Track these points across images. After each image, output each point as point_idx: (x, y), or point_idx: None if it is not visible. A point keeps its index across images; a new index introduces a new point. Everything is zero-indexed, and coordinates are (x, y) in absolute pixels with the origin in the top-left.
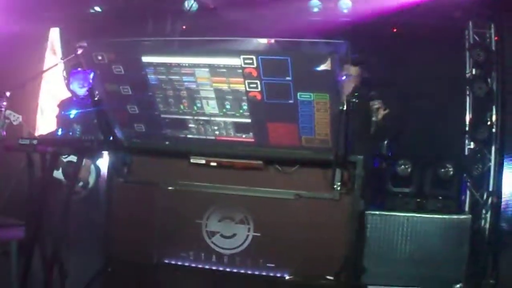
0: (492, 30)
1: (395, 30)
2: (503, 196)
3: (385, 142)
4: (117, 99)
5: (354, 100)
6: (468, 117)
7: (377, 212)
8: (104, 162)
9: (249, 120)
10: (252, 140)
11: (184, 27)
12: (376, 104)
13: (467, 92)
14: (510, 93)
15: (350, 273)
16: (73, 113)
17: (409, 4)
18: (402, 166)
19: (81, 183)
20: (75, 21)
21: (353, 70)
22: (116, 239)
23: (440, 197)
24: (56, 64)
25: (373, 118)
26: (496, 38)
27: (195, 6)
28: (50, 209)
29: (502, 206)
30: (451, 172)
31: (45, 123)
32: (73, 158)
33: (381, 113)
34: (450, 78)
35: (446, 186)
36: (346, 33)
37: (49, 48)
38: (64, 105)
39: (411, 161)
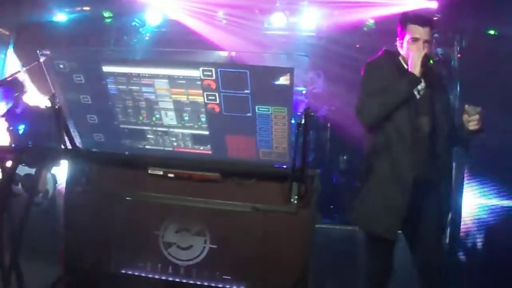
0: (455, 47)
1: (358, 46)
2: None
3: (344, 157)
4: (77, 108)
5: (311, 113)
6: None
7: (330, 226)
8: (60, 170)
9: (207, 132)
10: (210, 152)
11: (147, 36)
12: None
13: None
14: None
15: (306, 286)
16: (21, 128)
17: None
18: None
19: (41, 195)
20: (38, 29)
21: (423, 32)
22: (74, 248)
23: None
24: (18, 72)
25: None
26: (459, 55)
27: (159, 18)
28: (9, 219)
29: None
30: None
31: None
32: (30, 170)
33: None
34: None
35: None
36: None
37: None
38: (10, 120)
39: None
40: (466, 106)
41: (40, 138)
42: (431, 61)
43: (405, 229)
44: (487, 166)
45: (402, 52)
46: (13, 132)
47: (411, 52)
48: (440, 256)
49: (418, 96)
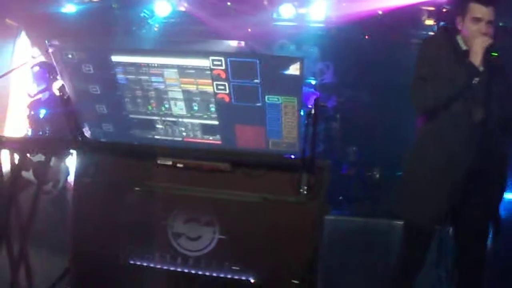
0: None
1: (367, 37)
2: None
3: (354, 148)
4: (86, 98)
5: (321, 104)
6: None
7: (339, 217)
8: (73, 161)
9: (216, 122)
10: (220, 142)
11: (156, 27)
12: None
13: None
14: None
15: (315, 277)
16: (42, 113)
17: (381, 11)
18: (370, 173)
19: (50, 183)
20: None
21: (486, 12)
22: (83, 239)
23: None
24: (26, 62)
25: None
26: None
27: (168, 9)
28: (18, 208)
29: None
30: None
31: (15, 122)
32: (43, 158)
33: None
34: None
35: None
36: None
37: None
38: (33, 106)
39: (379, 167)
40: None
41: (60, 124)
42: (494, 54)
43: (451, 217)
44: None
45: (462, 30)
46: (33, 117)
47: (473, 38)
48: (481, 249)
49: (474, 83)
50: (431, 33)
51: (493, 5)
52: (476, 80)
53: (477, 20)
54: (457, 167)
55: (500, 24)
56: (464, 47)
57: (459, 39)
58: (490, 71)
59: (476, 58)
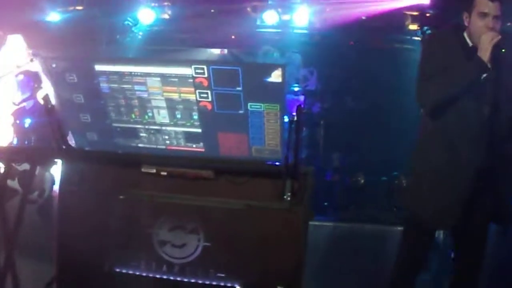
0: None
1: (352, 43)
2: None
3: (338, 154)
4: (70, 107)
5: (304, 110)
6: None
7: (324, 223)
8: (58, 170)
9: (199, 130)
10: (203, 149)
11: (140, 35)
12: None
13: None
14: None
15: (301, 282)
16: (27, 122)
17: (365, 17)
18: (355, 178)
19: (36, 192)
20: (31, 28)
21: (492, 6)
22: (68, 247)
23: (394, 209)
24: (11, 71)
25: None
26: None
27: (151, 16)
28: (5, 217)
29: None
30: (405, 184)
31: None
32: (28, 167)
33: None
34: (405, 89)
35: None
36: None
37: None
38: (18, 114)
39: (364, 173)
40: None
41: (45, 133)
42: (503, 50)
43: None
44: None
45: (469, 26)
46: (18, 126)
47: (481, 34)
48: (479, 252)
49: (483, 79)
50: (416, 38)
51: (499, 0)
52: (484, 76)
53: (483, 15)
54: (464, 166)
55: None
56: (471, 44)
57: (466, 35)
58: (498, 68)
59: (485, 54)
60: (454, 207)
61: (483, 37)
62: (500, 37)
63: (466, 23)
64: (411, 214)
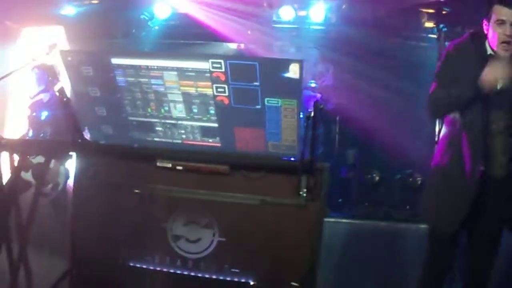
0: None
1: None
2: None
3: (353, 151)
4: (85, 100)
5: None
6: (437, 127)
7: (339, 220)
8: (73, 164)
9: (216, 125)
10: (219, 144)
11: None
12: None
13: None
14: None
15: (315, 279)
16: (44, 114)
17: (381, 14)
18: (370, 175)
19: (50, 185)
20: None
21: (510, 14)
22: (82, 241)
23: (408, 207)
24: (27, 64)
25: None
26: None
27: (167, 10)
28: (18, 210)
29: None
30: (420, 182)
31: (15, 123)
32: (42, 160)
33: None
34: (420, 87)
35: (415, 196)
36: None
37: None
38: (35, 107)
39: (379, 170)
40: None
41: (61, 126)
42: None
43: (466, 224)
44: None
45: (489, 35)
46: (35, 118)
47: (499, 41)
48: (490, 261)
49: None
50: (432, 36)
51: None
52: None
53: (501, 22)
54: (472, 173)
55: None
56: (489, 52)
57: (486, 43)
58: None
59: (486, 86)
60: (460, 214)
61: (500, 45)
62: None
63: (486, 31)
64: (426, 220)
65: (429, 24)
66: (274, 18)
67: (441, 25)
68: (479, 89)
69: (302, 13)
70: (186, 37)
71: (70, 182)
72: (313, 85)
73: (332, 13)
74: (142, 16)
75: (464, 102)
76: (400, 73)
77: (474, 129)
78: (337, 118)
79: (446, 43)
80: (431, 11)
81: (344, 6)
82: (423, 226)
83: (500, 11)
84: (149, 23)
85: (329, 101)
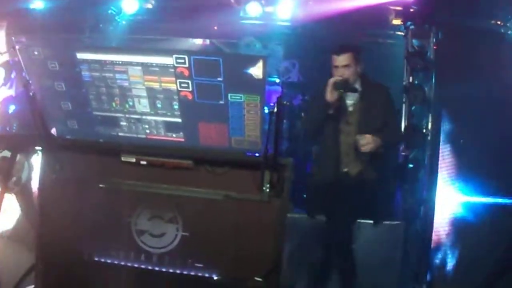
0: (431, 39)
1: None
2: None
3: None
4: (51, 95)
5: (284, 102)
6: (403, 125)
7: (303, 215)
8: (37, 158)
9: (179, 120)
10: (183, 139)
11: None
12: None
13: (403, 100)
14: (445, 101)
15: (278, 274)
16: (11, 108)
17: (348, 11)
18: None
19: (14, 179)
20: (15, 16)
21: (340, 59)
22: (48, 235)
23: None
24: None
25: None
26: (434, 47)
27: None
28: None
29: None
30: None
31: None
32: (7, 154)
33: None
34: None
35: None
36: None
37: None
38: (4, 102)
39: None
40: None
41: (27, 121)
42: (341, 91)
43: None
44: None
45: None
46: (2, 112)
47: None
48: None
49: (350, 109)
50: (399, 33)
51: (346, 53)
52: (348, 103)
53: (335, 67)
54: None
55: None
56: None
57: None
58: (367, 98)
59: (328, 93)
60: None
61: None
62: (346, 75)
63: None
64: None
65: (397, 22)
66: (241, 14)
67: (409, 23)
68: (320, 114)
69: (269, 9)
70: (153, 32)
71: (35, 176)
72: (277, 80)
73: (299, 10)
74: (109, 11)
75: (317, 124)
76: (367, 69)
77: (328, 141)
78: (303, 114)
79: (414, 41)
80: (398, 8)
81: (311, 3)
82: (389, 223)
83: (333, 59)
84: (116, 18)
85: (294, 97)
